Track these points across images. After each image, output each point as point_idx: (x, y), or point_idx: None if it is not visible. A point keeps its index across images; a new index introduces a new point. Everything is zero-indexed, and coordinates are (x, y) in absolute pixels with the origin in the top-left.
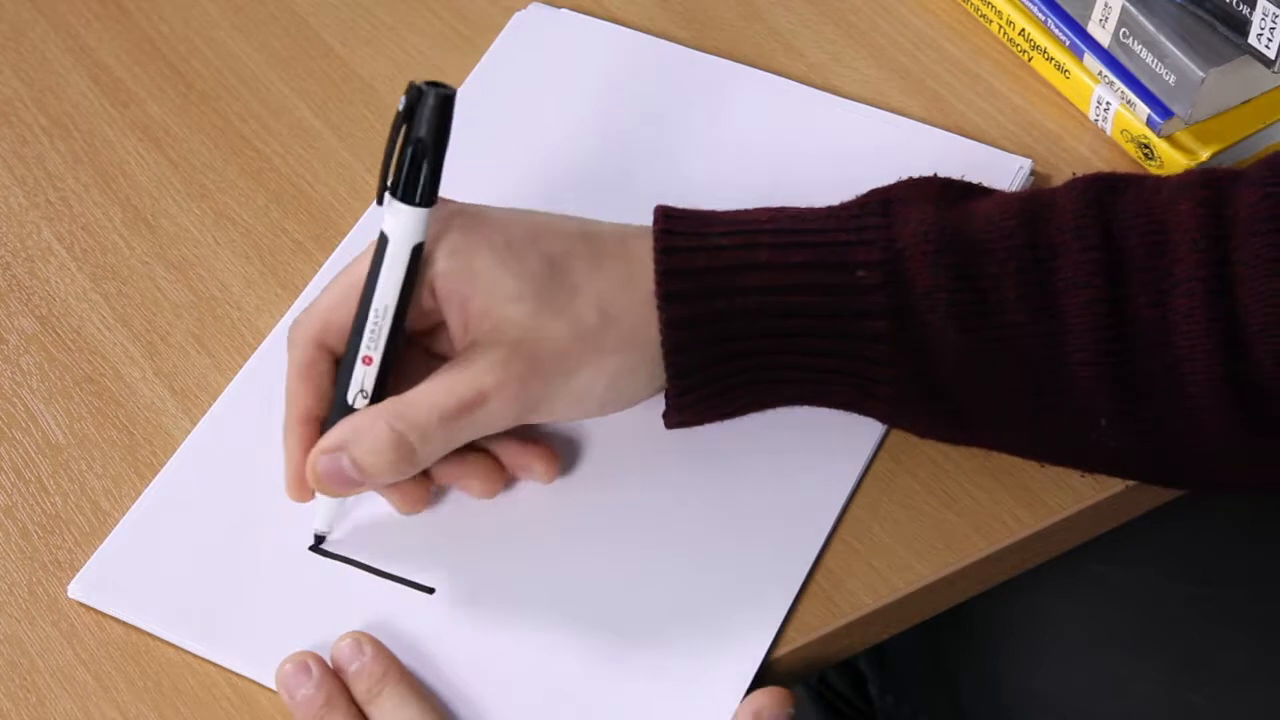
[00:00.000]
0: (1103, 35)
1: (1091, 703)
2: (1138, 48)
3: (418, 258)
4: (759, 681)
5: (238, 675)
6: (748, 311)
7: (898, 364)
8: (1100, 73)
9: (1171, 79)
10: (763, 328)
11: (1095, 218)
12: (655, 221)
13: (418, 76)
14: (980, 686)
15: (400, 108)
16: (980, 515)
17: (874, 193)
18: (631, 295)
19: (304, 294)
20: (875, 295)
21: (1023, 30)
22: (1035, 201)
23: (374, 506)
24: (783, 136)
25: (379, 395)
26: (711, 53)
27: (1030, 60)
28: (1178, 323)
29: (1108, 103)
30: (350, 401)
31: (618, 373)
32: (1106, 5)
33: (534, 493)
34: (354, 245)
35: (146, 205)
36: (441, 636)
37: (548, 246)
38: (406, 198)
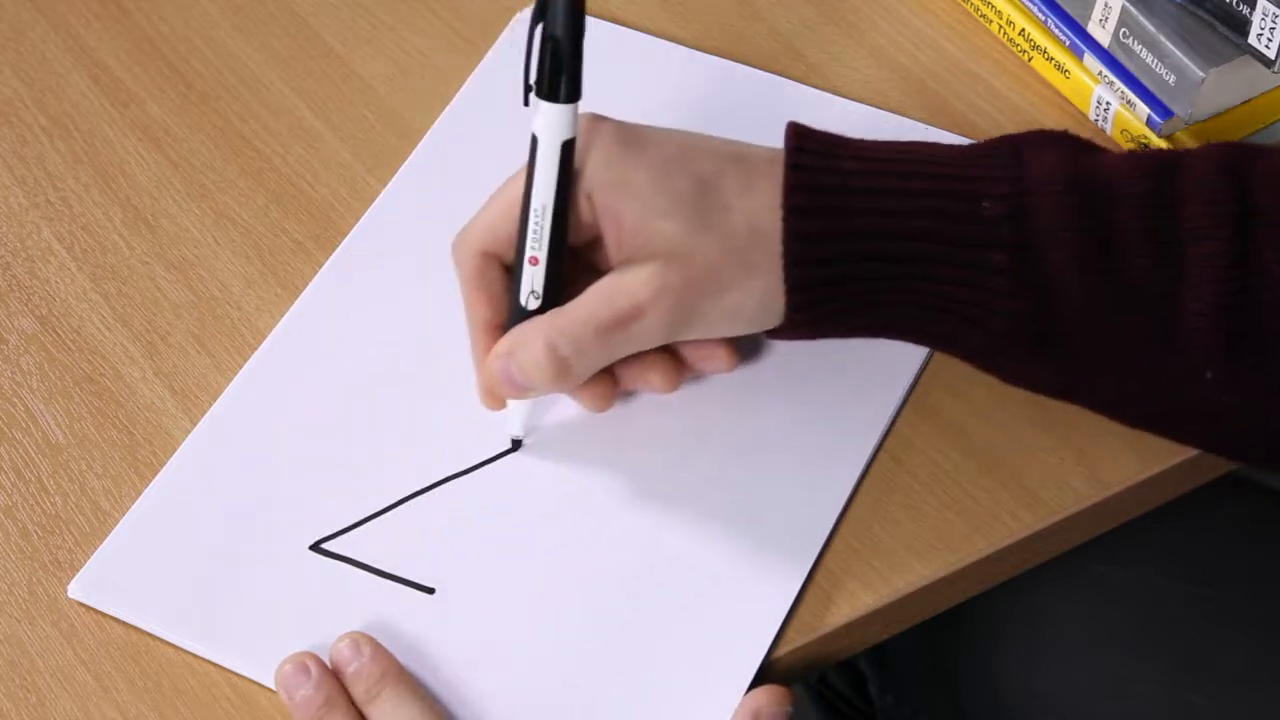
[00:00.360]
0: (1103, 35)
1: (1091, 703)
2: (1138, 48)
3: (570, 153)
4: (759, 681)
5: (238, 675)
6: (869, 232)
7: (1017, 298)
8: (1100, 73)
9: (1171, 79)
10: (882, 250)
11: (1228, 174)
12: (787, 139)
13: (418, 76)
14: (980, 686)
15: (534, 8)
16: (980, 515)
17: (1004, 138)
18: (780, 216)
19: (304, 294)
20: (999, 228)
21: (1023, 30)
22: (1166, 156)
23: (374, 507)
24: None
25: (551, 293)
26: (711, 53)
27: (1030, 60)
28: None
29: (1108, 103)
30: (524, 303)
31: (766, 290)
32: (1106, 5)
33: (533, 493)
34: (354, 245)
35: (146, 205)
36: (441, 637)
37: (700, 166)
38: (551, 96)
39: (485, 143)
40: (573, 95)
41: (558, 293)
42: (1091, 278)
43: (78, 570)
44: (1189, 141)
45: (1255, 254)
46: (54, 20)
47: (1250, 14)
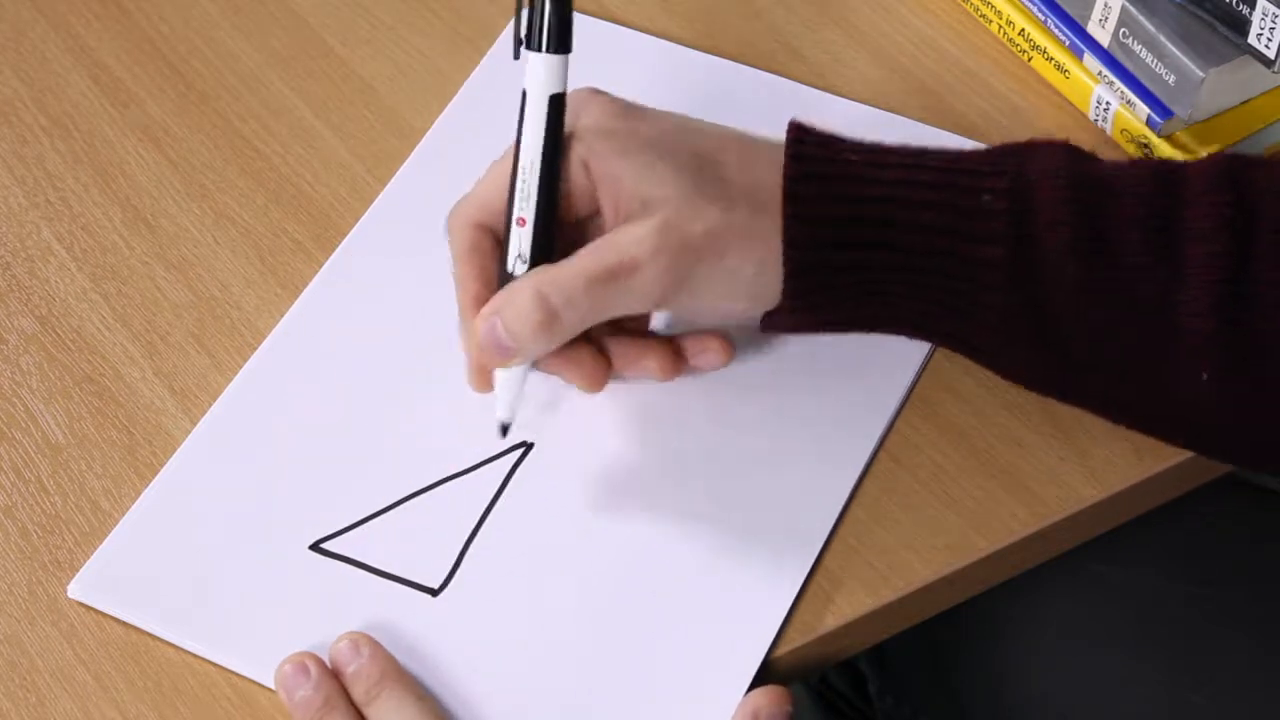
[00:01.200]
0: (1103, 35)
1: (1091, 703)
2: (1138, 48)
3: (559, 108)
4: (759, 681)
5: (238, 675)
6: (869, 220)
7: (1013, 291)
8: (1100, 73)
9: (1171, 79)
10: (882, 238)
11: (1229, 181)
12: (788, 131)
13: (418, 76)
14: (980, 686)
15: None
16: (980, 515)
17: (1006, 144)
18: (780, 190)
19: (304, 294)
20: (998, 221)
21: (1023, 30)
22: (1167, 164)
23: (374, 507)
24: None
25: (539, 258)
26: (712, 53)
27: (1030, 60)
28: None
29: (1108, 103)
30: (510, 269)
31: (763, 260)
32: (1106, 5)
33: (533, 493)
34: (354, 245)
35: (146, 205)
36: (441, 637)
37: (700, 142)
38: (537, 46)
39: (485, 143)
40: (561, 46)
41: (547, 258)
42: (1088, 272)
43: (78, 570)
44: (1189, 141)
45: (1255, 259)
46: (54, 20)
47: (1250, 14)
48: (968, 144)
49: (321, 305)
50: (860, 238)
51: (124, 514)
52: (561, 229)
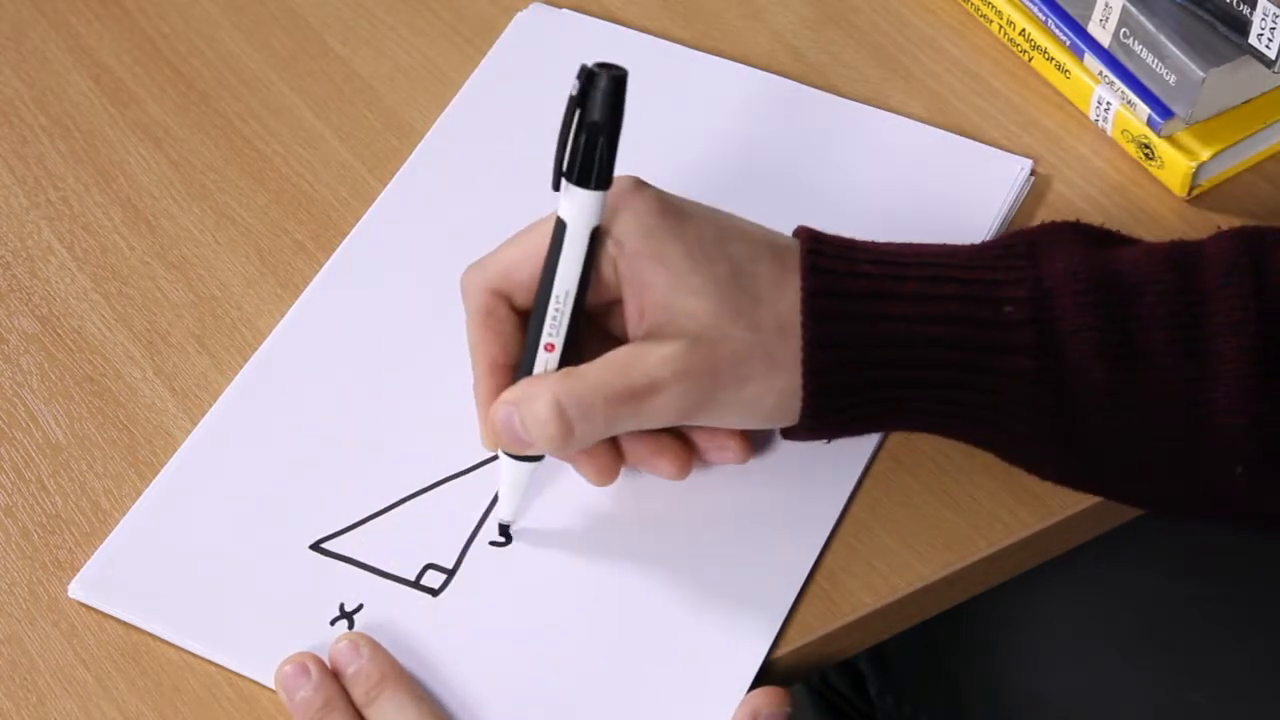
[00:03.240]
0: (1103, 35)
1: (1091, 702)
2: (1138, 48)
3: (596, 240)
4: (759, 681)
5: (238, 675)
6: (893, 339)
7: (1039, 401)
8: (1100, 73)
9: (1172, 79)
10: (906, 357)
11: (1249, 266)
12: (801, 241)
13: (418, 76)
14: (980, 686)
15: (573, 91)
16: (980, 515)
17: (1017, 233)
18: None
19: (304, 294)
20: (1021, 331)
21: (1023, 30)
22: (1183, 249)
23: (374, 507)
24: (783, 137)
25: (567, 356)
26: (712, 53)
27: (1030, 60)
28: None
29: (1108, 103)
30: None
31: (786, 389)
32: (1107, 5)
33: (534, 493)
34: (354, 245)
35: (146, 205)
36: (441, 637)
37: (736, 251)
38: (583, 182)
39: (485, 143)
40: (605, 182)
41: (572, 357)
42: (1116, 376)
43: (78, 570)
44: (1190, 142)
45: None
46: (54, 20)
47: (1250, 14)
48: (966, 145)
49: (321, 305)
50: (883, 357)
51: (124, 514)
52: (583, 313)
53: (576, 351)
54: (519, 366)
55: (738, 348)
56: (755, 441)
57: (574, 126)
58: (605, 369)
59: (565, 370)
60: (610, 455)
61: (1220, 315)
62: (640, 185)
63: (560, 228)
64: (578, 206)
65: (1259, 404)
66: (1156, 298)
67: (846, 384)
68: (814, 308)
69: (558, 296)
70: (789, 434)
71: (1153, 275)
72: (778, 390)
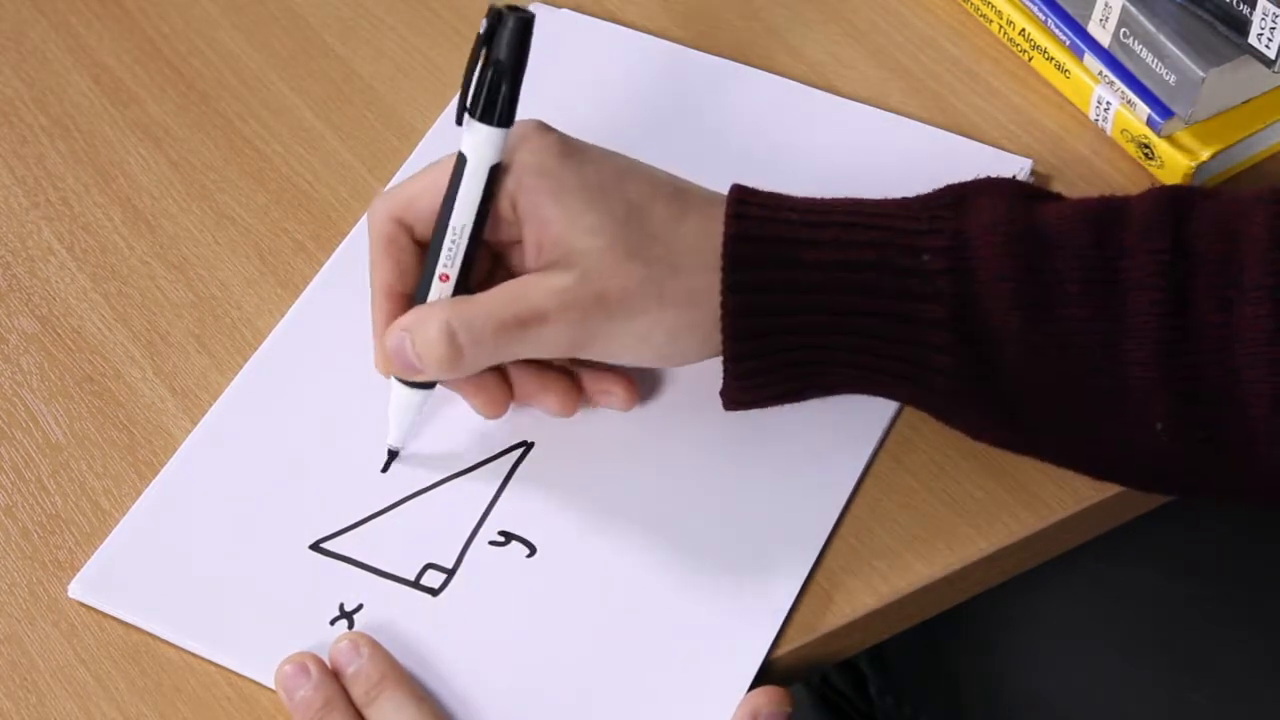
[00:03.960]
0: (1103, 35)
1: (1091, 703)
2: (1138, 47)
3: (495, 178)
4: (760, 681)
5: (238, 675)
6: (811, 285)
7: (956, 353)
8: (1100, 73)
9: (1171, 79)
10: (824, 303)
11: (1167, 223)
12: (730, 193)
13: (418, 76)
14: (980, 686)
15: (481, 30)
16: (980, 515)
17: (949, 187)
18: (705, 254)
19: (304, 294)
20: (939, 279)
21: (1023, 30)
22: (1108, 205)
23: (374, 507)
24: (783, 136)
25: (460, 285)
26: (711, 53)
27: (1030, 60)
28: (1242, 330)
29: (1108, 103)
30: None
31: (676, 326)
32: (1107, 5)
33: (533, 493)
34: (354, 245)
35: (146, 205)
36: (441, 637)
37: (635, 191)
38: (485, 118)
39: None
40: (506, 120)
41: (466, 286)
42: (1031, 328)
43: (78, 570)
44: (1189, 141)
45: (1195, 305)
46: (54, 20)
47: (1250, 14)
48: (966, 145)
49: (321, 305)
50: (802, 303)
51: (124, 514)
52: (481, 247)
53: (471, 286)
54: (414, 295)
55: (627, 282)
56: (755, 442)
57: (479, 64)
58: (496, 297)
59: (458, 298)
60: (499, 387)
61: (1133, 270)
62: (543, 127)
63: (461, 162)
64: (478, 142)
65: (1169, 357)
66: (1073, 250)
67: (763, 328)
68: (732, 252)
69: (454, 229)
70: (726, 398)
71: (1073, 229)
72: (667, 326)
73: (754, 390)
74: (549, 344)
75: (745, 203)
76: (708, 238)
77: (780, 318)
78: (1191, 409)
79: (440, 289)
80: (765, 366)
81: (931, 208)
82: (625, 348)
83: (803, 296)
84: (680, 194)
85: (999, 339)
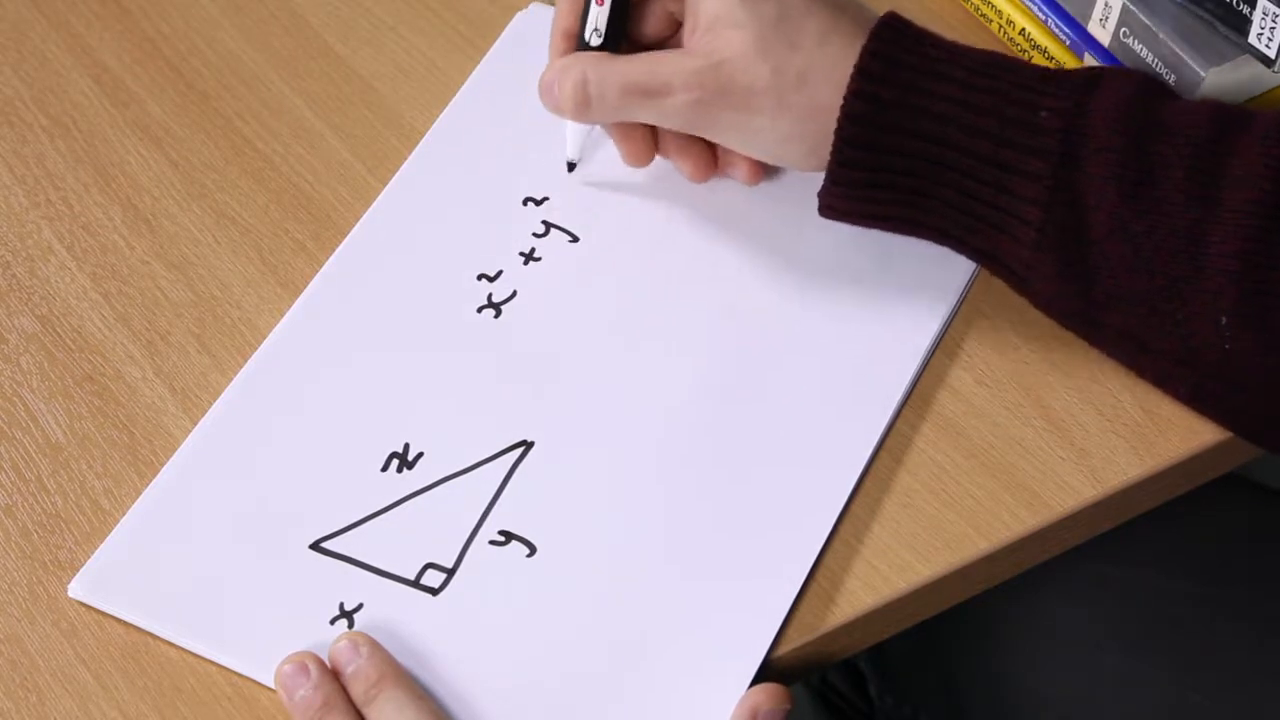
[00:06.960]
0: (1103, 35)
1: (1092, 702)
2: (1138, 47)
3: None
4: (759, 681)
5: (238, 675)
6: (929, 114)
7: (1049, 208)
8: None
9: (1172, 78)
10: (937, 134)
11: None
12: (882, 17)
13: (418, 76)
14: (980, 686)
15: None
16: (980, 515)
17: (1088, 67)
18: (836, 76)
19: (304, 294)
20: (1050, 137)
21: (1023, 30)
22: (1234, 112)
23: (375, 507)
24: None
25: (613, 35)
26: None
27: (1031, 60)
28: None
29: None
30: (586, 38)
31: (789, 133)
32: (1107, 5)
33: (533, 493)
34: (354, 245)
35: (146, 205)
36: (441, 637)
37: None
38: None
39: (485, 143)
40: None
41: (618, 38)
42: (1125, 204)
43: (78, 570)
44: None
45: None
46: (54, 20)
47: (1250, 14)
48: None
49: (321, 305)
50: (913, 128)
51: (124, 514)
52: (643, 37)
53: (625, 30)
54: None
55: (753, 82)
56: (755, 441)
57: None
58: (632, 62)
59: (602, 54)
60: (645, 140)
61: (1240, 168)
62: None
63: None
64: None
65: (1253, 255)
66: (1186, 140)
67: (873, 143)
68: (865, 65)
69: None
70: (822, 203)
71: (1192, 122)
72: (781, 131)
73: (849, 200)
74: (669, 116)
75: (891, 27)
76: (845, 60)
77: (892, 136)
78: (1260, 312)
79: (596, 13)
80: (866, 180)
81: (1064, 80)
82: (737, 138)
83: (919, 123)
84: (837, 13)
85: (1092, 204)
